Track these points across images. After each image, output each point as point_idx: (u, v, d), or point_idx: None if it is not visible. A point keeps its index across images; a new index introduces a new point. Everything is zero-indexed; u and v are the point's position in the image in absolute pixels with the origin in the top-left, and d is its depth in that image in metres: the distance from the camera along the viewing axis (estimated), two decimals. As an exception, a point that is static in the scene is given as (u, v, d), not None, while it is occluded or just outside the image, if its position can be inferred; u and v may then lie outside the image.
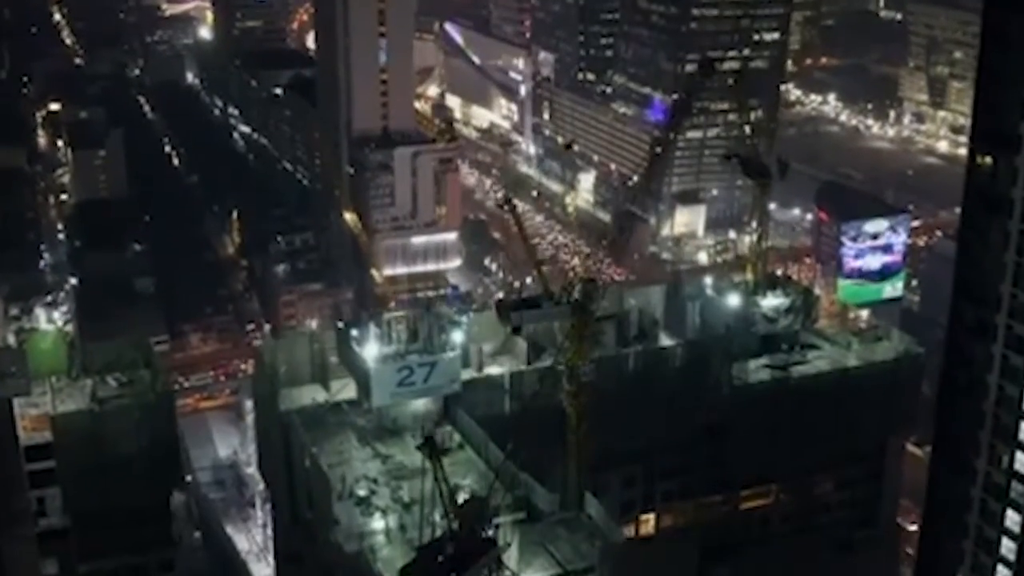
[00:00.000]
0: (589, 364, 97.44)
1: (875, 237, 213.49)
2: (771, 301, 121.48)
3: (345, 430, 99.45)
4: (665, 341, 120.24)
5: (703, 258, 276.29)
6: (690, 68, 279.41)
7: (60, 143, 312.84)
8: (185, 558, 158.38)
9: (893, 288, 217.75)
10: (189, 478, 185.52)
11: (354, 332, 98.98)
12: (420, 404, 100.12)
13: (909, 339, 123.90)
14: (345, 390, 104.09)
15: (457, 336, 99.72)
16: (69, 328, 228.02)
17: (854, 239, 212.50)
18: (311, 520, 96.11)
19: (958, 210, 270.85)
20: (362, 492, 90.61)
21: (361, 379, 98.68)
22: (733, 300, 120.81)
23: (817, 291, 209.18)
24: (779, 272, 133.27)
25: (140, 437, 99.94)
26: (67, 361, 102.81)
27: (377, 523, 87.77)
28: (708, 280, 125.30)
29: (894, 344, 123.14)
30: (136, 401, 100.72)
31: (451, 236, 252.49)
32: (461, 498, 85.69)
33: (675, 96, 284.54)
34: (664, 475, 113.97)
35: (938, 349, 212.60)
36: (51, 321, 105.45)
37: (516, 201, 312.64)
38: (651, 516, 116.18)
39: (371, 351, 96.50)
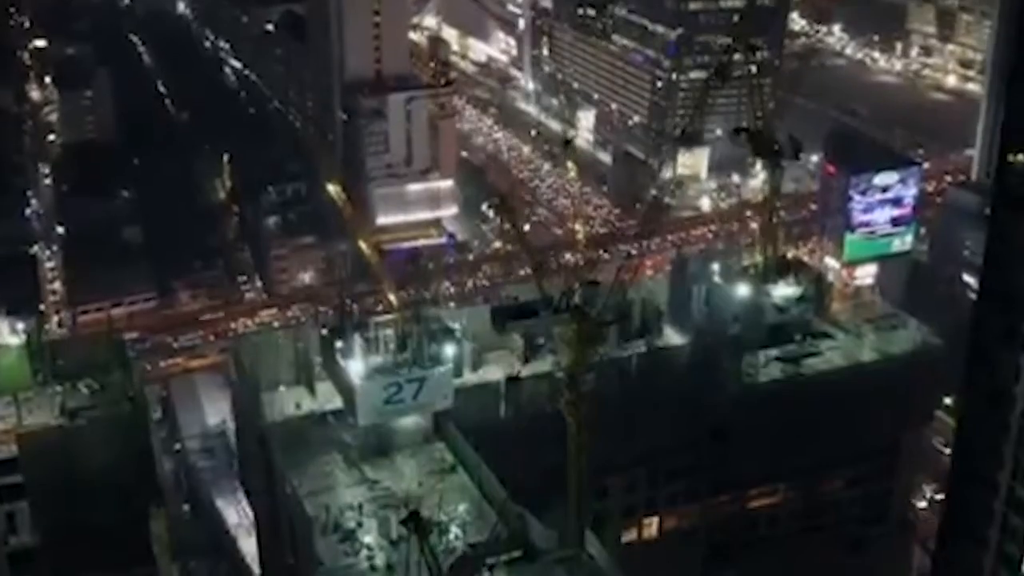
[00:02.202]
0: (590, 374, 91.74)
1: (885, 190, 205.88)
2: (782, 291, 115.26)
3: (330, 449, 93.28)
4: (670, 334, 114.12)
5: (705, 204, 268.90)
6: (694, 7, 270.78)
7: (47, 81, 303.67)
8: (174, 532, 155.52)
9: (902, 242, 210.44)
10: (178, 447, 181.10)
11: (339, 344, 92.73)
12: (410, 419, 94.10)
13: (925, 329, 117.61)
14: (333, 396, 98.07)
15: (449, 349, 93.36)
16: (56, 283, 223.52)
17: (863, 193, 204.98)
18: (294, 563, 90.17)
19: (968, 152, 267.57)
20: (348, 525, 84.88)
21: (346, 395, 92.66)
22: (742, 290, 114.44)
23: (830, 261, 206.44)
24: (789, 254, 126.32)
25: (113, 452, 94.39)
26: (32, 374, 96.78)
27: (363, 563, 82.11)
28: (715, 266, 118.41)
29: (910, 334, 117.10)
30: (108, 413, 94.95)
31: (447, 183, 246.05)
32: (453, 534, 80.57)
33: (678, 32, 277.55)
34: (668, 478, 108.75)
35: (947, 304, 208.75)
36: (14, 333, 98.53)
37: (513, 136, 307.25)
38: (654, 519, 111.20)
39: (356, 367, 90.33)
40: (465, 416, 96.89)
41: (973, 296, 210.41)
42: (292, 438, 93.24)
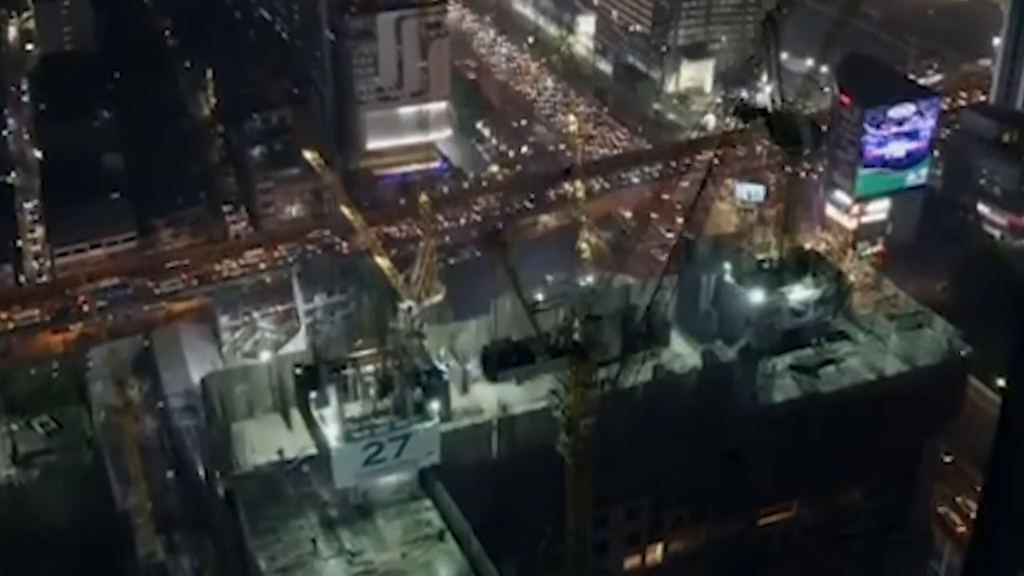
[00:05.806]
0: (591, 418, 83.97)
1: (900, 123, 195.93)
2: (799, 293, 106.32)
3: (305, 508, 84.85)
4: (677, 342, 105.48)
5: (711, 121, 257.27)
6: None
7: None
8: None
9: (917, 176, 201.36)
10: (161, 405, 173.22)
11: (312, 394, 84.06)
12: (393, 476, 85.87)
13: (953, 330, 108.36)
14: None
15: (435, 405, 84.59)
16: (37, 228, 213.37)
17: (878, 126, 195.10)
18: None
19: (983, 62, 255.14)
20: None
21: (322, 451, 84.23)
22: (756, 295, 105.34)
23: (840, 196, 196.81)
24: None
25: (71, 505, 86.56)
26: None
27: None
28: (727, 265, 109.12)
29: (937, 336, 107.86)
30: (65, 462, 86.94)
31: (440, 105, 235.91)
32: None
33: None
34: (675, 503, 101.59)
35: (961, 234, 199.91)
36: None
37: (510, 45, 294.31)
38: (658, 545, 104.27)
39: (332, 428, 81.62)
40: (456, 456, 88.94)
41: (987, 228, 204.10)
42: (262, 495, 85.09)
